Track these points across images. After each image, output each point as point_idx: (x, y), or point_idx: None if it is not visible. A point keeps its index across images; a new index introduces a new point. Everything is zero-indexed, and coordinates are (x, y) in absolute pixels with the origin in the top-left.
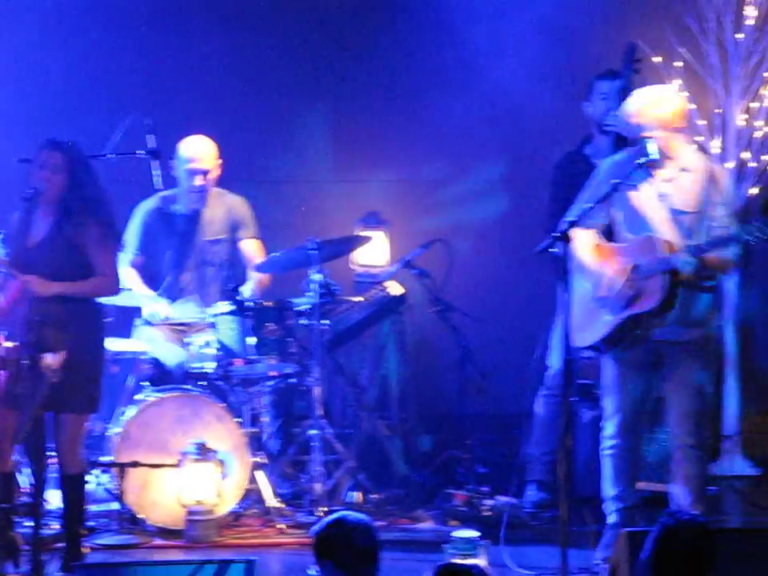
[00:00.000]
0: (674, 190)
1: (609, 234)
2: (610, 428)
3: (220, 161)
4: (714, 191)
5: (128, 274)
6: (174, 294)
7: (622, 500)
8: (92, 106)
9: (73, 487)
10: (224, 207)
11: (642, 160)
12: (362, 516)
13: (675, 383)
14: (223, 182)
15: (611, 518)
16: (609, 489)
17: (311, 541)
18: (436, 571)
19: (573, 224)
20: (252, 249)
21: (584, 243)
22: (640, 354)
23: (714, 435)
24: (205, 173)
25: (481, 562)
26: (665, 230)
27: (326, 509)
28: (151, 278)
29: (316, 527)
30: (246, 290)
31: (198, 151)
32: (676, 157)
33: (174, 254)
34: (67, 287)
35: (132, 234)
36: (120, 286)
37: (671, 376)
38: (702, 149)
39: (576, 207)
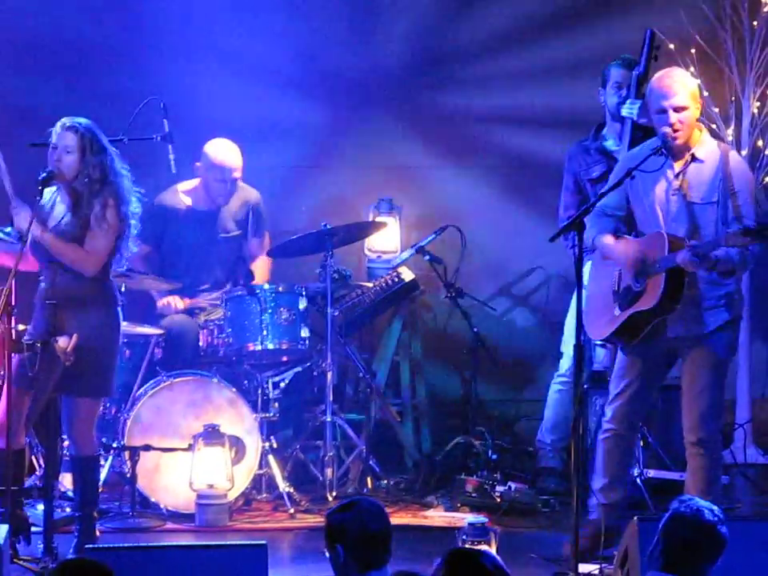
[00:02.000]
0: (687, 182)
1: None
2: (609, 412)
3: (242, 162)
4: (729, 181)
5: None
6: (191, 290)
7: (605, 495)
8: (106, 89)
9: (86, 469)
10: (241, 202)
11: (662, 145)
12: (375, 501)
13: (685, 379)
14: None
15: (592, 513)
16: (596, 480)
17: (323, 524)
18: (446, 556)
19: (586, 212)
20: (262, 244)
21: (605, 232)
22: (652, 348)
23: (724, 426)
24: (233, 181)
25: (491, 548)
26: (677, 224)
27: (336, 494)
28: (164, 271)
29: (329, 511)
30: (258, 278)
31: (227, 161)
32: (690, 146)
33: (191, 249)
34: (54, 241)
35: (147, 225)
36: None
37: (682, 371)
38: (718, 136)
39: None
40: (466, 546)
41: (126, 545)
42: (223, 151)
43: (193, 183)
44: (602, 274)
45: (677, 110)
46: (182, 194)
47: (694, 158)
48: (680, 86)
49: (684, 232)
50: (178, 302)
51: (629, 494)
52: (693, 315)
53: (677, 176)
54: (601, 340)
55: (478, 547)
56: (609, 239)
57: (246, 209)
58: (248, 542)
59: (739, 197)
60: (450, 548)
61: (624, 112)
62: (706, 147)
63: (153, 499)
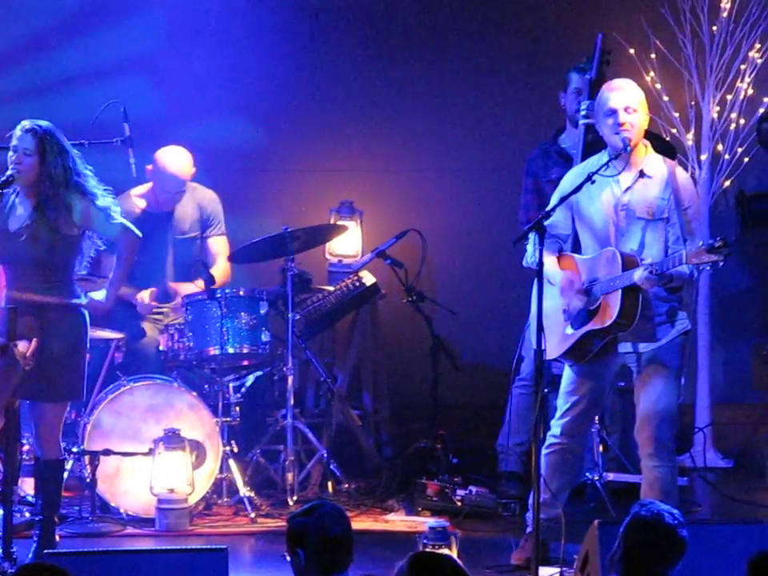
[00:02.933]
0: (634, 197)
1: (576, 243)
2: (556, 428)
3: (194, 169)
4: (678, 197)
5: None
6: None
7: (545, 510)
8: (71, 94)
9: (50, 473)
10: (195, 203)
11: (615, 153)
12: (337, 505)
13: (638, 392)
14: (198, 170)
15: (529, 527)
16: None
17: (285, 529)
18: (410, 560)
19: (546, 216)
20: (219, 246)
21: (548, 253)
22: (602, 365)
23: (684, 430)
24: (181, 191)
25: (452, 552)
26: (625, 239)
27: (297, 498)
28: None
29: (291, 515)
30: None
31: (176, 171)
32: (639, 161)
33: (148, 251)
34: (114, 283)
35: None
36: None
37: (636, 384)
38: (671, 148)
39: (551, 201)
40: (427, 549)
41: (85, 550)
42: (172, 161)
43: (146, 187)
44: (550, 292)
45: (627, 110)
46: (135, 198)
47: (642, 174)
48: (631, 90)
49: (632, 248)
50: (145, 296)
51: (589, 498)
52: (643, 330)
53: (625, 191)
54: (552, 359)
55: (439, 551)
56: (552, 261)
57: (201, 210)
58: (208, 547)
59: (688, 213)
60: (414, 551)
61: (580, 115)
62: (653, 163)
63: (113, 504)
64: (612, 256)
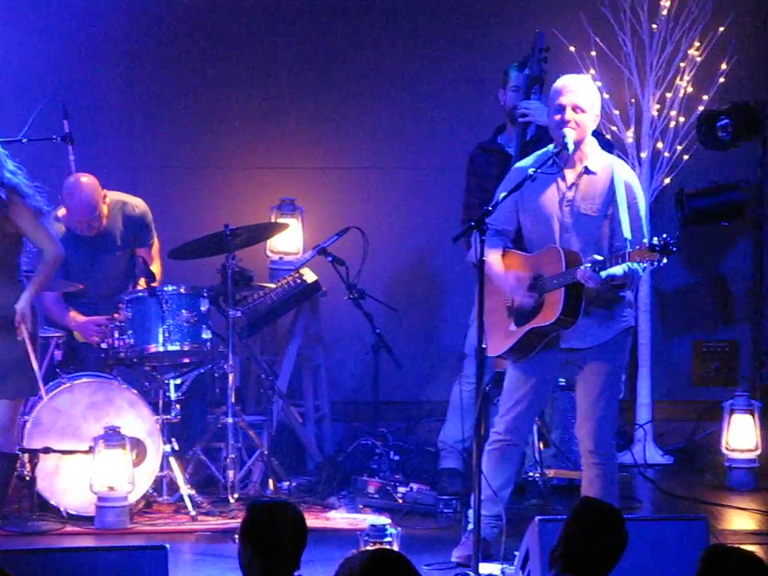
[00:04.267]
0: (579, 194)
1: (519, 239)
2: (499, 425)
3: (103, 192)
4: (619, 195)
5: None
6: (84, 308)
7: (486, 506)
8: (5, 90)
9: (2, 468)
10: (123, 217)
11: (559, 148)
12: (297, 509)
13: (580, 387)
14: (136, 168)
15: (471, 524)
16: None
17: (227, 526)
18: (369, 557)
19: (487, 213)
20: (151, 253)
21: (493, 250)
22: (545, 362)
23: (625, 427)
24: (93, 213)
25: (395, 549)
26: (569, 236)
27: (238, 496)
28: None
29: (252, 504)
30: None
31: (84, 199)
32: (583, 158)
33: (79, 272)
34: (31, 288)
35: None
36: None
37: (577, 380)
38: (611, 144)
39: (493, 199)
40: (368, 547)
41: (24, 548)
42: (78, 192)
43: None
44: (492, 289)
45: (575, 108)
46: (61, 221)
47: (586, 170)
48: (582, 88)
49: (576, 244)
50: (78, 318)
51: (530, 495)
52: (586, 327)
53: (570, 187)
54: (496, 356)
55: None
56: (496, 258)
57: (130, 226)
58: (148, 545)
59: (632, 210)
60: (371, 549)
61: (518, 113)
62: (598, 160)
63: (52, 502)
64: (555, 253)
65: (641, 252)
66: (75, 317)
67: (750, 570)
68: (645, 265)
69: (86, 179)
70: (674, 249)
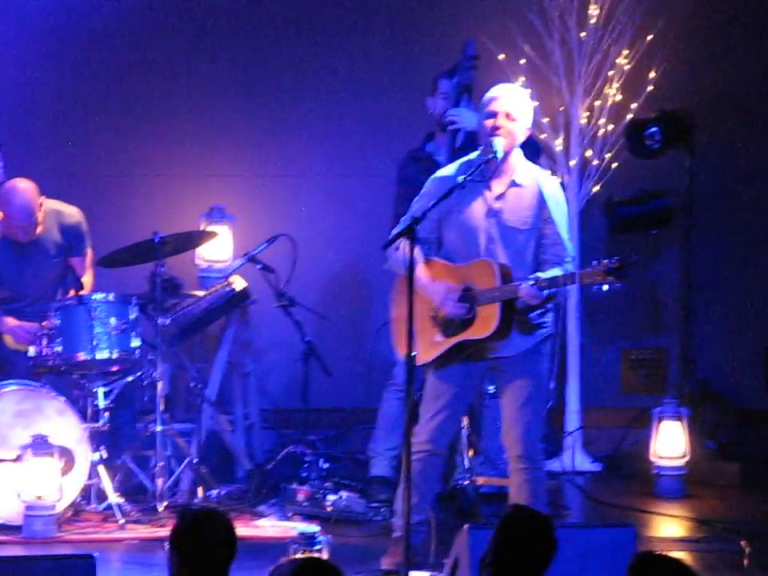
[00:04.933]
0: (506, 206)
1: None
2: (421, 434)
3: (41, 198)
4: (546, 208)
5: None
6: (19, 313)
7: (413, 514)
8: None
9: None
10: (58, 226)
11: (487, 157)
12: (227, 518)
13: (505, 394)
14: (65, 175)
15: (396, 532)
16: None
17: (156, 534)
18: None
19: (417, 221)
20: (84, 263)
21: (417, 258)
22: (469, 370)
23: (550, 437)
24: (30, 219)
25: (323, 558)
26: (495, 247)
27: (167, 504)
28: None
29: (183, 511)
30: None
31: (21, 204)
32: (510, 169)
33: (12, 277)
34: None
35: None
36: None
37: (501, 387)
38: (539, 149)
39: (417, 207)
40: (298, 555)
41: None
42: (15, 197)
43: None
44: (416, 296)
45: (508, 116)
46: None
47: (514, 183)
48: (515, 97)
49: (502, 257)
50: (10, 322)
51: (459, 502)
52: (512, 336)
53: (497, 199)
54: (420, 365)
55: (309, 556)
56: (421, 267)
57: (65, 234)
58: (77, 554)
59: (559, 222)
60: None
61: (447, 120)
62: (525, 172)
63: None
64: (488, 266)
65: (594, 273)
66: (8, 321)
67: None
68: (597, 287)
69: (25, 184)
70: (628, 272)
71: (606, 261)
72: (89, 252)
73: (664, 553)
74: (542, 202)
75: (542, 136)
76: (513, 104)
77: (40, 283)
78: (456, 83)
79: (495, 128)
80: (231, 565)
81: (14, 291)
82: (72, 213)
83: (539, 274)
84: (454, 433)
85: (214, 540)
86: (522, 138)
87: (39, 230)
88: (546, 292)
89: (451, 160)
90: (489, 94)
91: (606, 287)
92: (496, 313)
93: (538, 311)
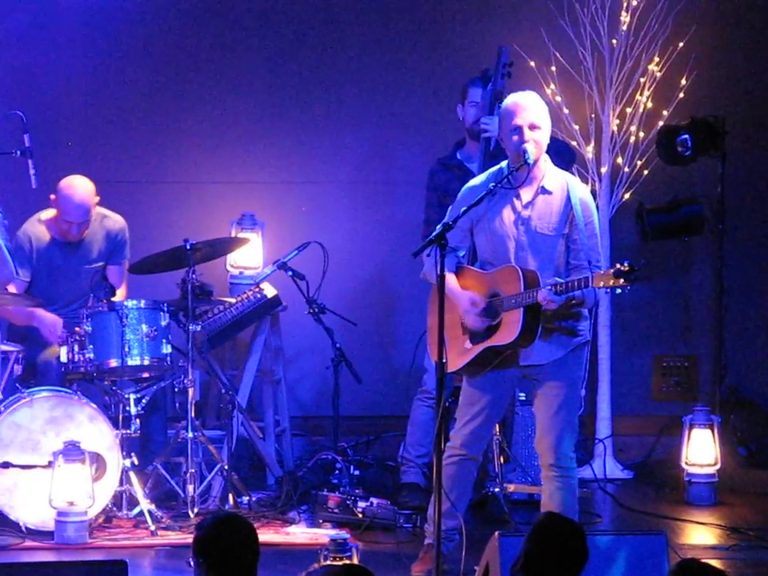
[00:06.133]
0: (535, 213)
1: (473, 256)
2: (455, 439)
3: (98, 198)
4: (575, 214)
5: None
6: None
7: (445, 521)
8: None
9: None
10: (104, 232)
11: (516, 165)
12: (245, 520)
13: (538, 402)
14: (96, 182)
15: (428, 539)
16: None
17: (185, 541)
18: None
19: (448, 228)
20: (119, 274)
21: (448, 269)
22: (501, 377)
23: (584, 442)
24: (86, 216)
25: (354, 563)
26: (525, 254)
27: (198, 510)
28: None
29: (200, 523)
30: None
31: (80, 199)
32: (539, 176)
33: (55, 279)
34: None
35: (21, 261)
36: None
37: (535, 395)
38: (573, 153)
39: (449, 216)
40: (329, 562)
41: None
42: (75, 192)
43: (52, 213)
44: (449, 304)
45: (531, 127)
46: (44, 225)
47: (543, 190)
48: (535, 105)
49: (532, 263)
50: (58, 325)
51: (490, 509)
52: (543, 343)
53: (525, 206)
54: (451, 372)
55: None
56: (452, 277)
57: (109, 239)
58: (109, 559)
59: (588, 228)
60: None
61: (480, 128)
62: (553, 178)
63: (12, 517)
64: (513, 272)
65: (606, 277)
66: (43, 313)
67: None
68: (608, 291)
69: (85, 181)
70: (638, 276)
71: (617, 264)
72: (125, 264)
73: (707, 562)
74: (570, 207)
75: (573, 143)
76: (533, 113)
77: (74, 287)
78: (490, 90)
79: (522, 142)
80: (257, 563)
81: (47, 292)
82: (118, 220)
83: (556, 279)
84: (489, 439)
85: (234, 541)
86: (547, 140)
87: (86, 232)
88: (563, 296)
89: (484, 167)
90: (506, 107)
91: (618, 291)
92: (519, 319)
93: (572, 319)
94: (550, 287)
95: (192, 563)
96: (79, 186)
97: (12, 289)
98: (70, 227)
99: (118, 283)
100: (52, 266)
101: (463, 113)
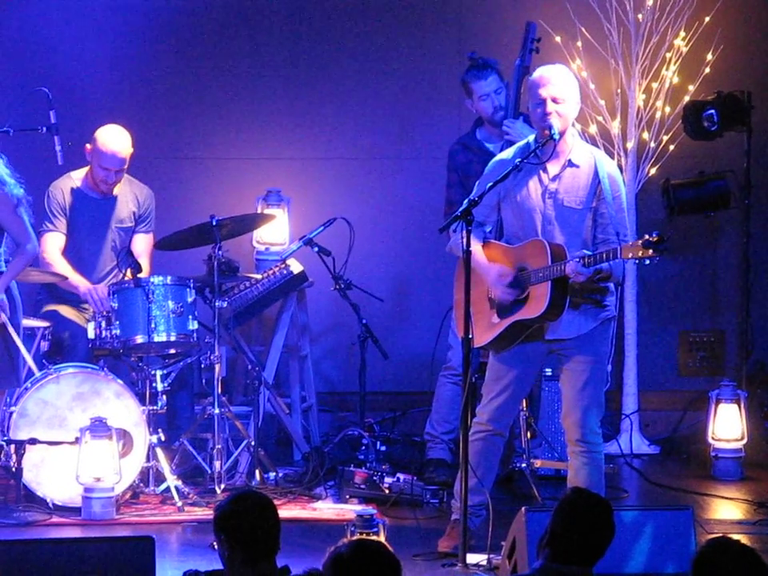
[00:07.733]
0: (562, 186)
1: (500, 231)
2: (482, 414)
3: (132, 150)
4: (602, 187)
5: (54, 253)
6: (89, 275)
7: (471, 496)
8: None
9: None
10: (132, 196)
11: (542, 141)
12: (263, 494)
13: (565, 377)
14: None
15: (454, 513)
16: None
17: (212, 517)
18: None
19: (474, 204)
20: (144, 244)
21: (475, 241)
22: (528, 352)
23: (611, 417)
24: (119, 170)
25: (380, 540)
26: (552, 228)
27: (225, 486)
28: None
29: (217, 504)
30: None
31: (115, 149)
32: (566, 149)
33: (85, 235)
34: (5, 276)
35: (56, 213)
36: (35, 247)
37: (562, 370)
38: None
39: (475, 191)
40: (355, 537)
41: (11, 539)
42: (112, 139)
43: (85, 170)
44: (476, 278)
45: (555, 100)
46: (76, 180)
47: (570, 163)
48: (560, 78)
49: (559, 237)
50: (101, 290)
51: (517, 485)
52: (569, 318)
53: (552, 180)
54: (479, 347)
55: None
56: (478, 249)
57: (138, 203)
58: (135, 535)
59: (615, 202)
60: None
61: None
62: (580, 152)
63: (39, 493)
64: (540, 246)
65: (634, 248)
66: (81, 282)
67: (747, 565)
68: (637, 261)
69: (122, 129)
70: (666, 247)
71: (646, 235)
72: (151, 236)
73: (737, 540)
74: (597, 181)
75: (599, 118)
76: (558, 86)
77: (100, 250)
78: (518, 66)
79: (546, 114)
80: (279, 535)
81: (78, 251)
82: (146, 188)
83: (584, 251)
84: (515, 414)
85: (253, 515)
86: (574, 115)
87: (117, 190)
88: (591, 269)
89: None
90: (532, 79)
91: (647, 262)
92: (546, 292)
93: (599, 293)
94: (578, 259)
95: (216, 544)
96: (117, 134)
97: (51, 242)
98: (107, 176)
99: (144, 253)
100: (81, 223)
101: (475, 107)
